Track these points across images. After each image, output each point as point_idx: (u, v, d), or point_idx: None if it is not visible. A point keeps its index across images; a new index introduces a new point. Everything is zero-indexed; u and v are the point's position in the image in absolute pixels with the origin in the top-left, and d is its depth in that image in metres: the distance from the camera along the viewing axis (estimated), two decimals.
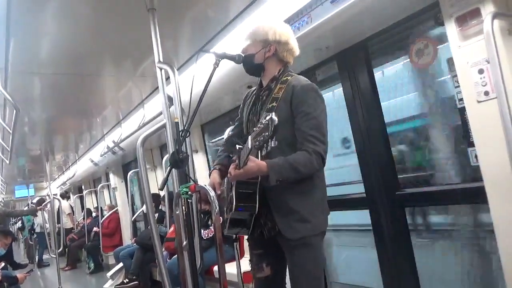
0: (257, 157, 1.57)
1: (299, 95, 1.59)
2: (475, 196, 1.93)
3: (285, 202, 1.61)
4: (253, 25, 1.78)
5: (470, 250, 2.33)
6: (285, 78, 1.71)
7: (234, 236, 2.07)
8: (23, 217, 10.01)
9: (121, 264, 5.30)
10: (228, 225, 1.68)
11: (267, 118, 1.37)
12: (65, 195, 10.71)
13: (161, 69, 2.12)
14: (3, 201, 13.12)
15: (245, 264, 2.25)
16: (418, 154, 2.61)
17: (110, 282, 5.30)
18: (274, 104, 1.65)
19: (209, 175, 1.87)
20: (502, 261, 1.74)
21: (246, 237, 1.87)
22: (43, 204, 7.27)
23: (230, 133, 2.04)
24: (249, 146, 1.42)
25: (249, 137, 1.43)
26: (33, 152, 6.46)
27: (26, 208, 10.09)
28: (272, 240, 1.68)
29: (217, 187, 1.80)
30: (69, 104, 4.08)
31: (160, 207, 5.23)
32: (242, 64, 1.76)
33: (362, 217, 2.63)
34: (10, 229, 9.96)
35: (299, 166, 1.54)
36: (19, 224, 10.71)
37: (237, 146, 1.60)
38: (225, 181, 1.88)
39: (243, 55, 1.74)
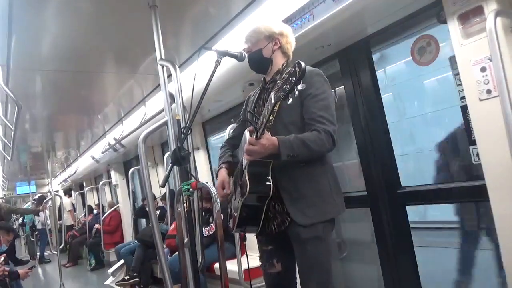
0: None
1: (306, 79, 1.57)
2: (476, 194, 1.93)
3: (296, 187, 1.62)
4: (252, 28, 1.79)
5: None
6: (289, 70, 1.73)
7: (243, 234, 2.04)
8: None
9: (122, 261, 5.31)
10: (238, 218, 1.66)
11: (294, 64, 1.38)
12: (68, 192, 10.75)
13: (162, 66, 2.12)
14: (4, 197, 13.15)
15: (246, 262, 2.25)
16: None
17: (111, 278, 5.31)
18: None
19: (216, 175, 1.86)
20: (503, 259, 1.74)
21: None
22: (44, 202, 7.28)
23: (231, 133, 2.04)
24: (273, 100, 1.42)
25: (272, 93, 1.44)
26: (35, 149, 6.47)
27: (27, 206, 10.11)
28: (281, 235, 1.68)
29: (227, 186, 1.78)
30: (70, 101, 4.08)
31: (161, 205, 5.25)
32: (249, 61, 1.77)
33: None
34: (12, 225, 9.99)
35: (310, 143, 1.54)
36: (20, 220, 10.74)
37: (253, 117, 1.58)
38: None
39: (247, 54, 1.75)
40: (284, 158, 1.52)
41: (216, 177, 1.86)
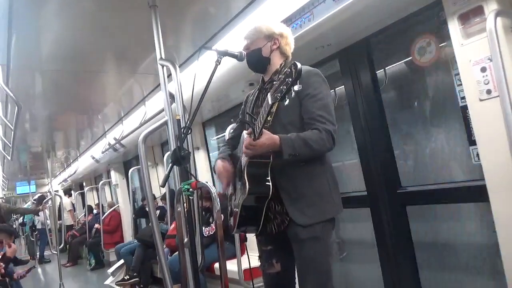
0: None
1: (303, 79, 1.56)
2: (477, 194, 1.93)
3: (295, 187, 1.62)
4: (252, 26, 1.80)
5: None
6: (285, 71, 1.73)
7: (244, 235, 2.03)
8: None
9: (122, 261, 5.32)
10: (238, 218, 1.66)
11: (290, 65, 1.41)
12: (68, 192, 10.75)
13: (162, 66, 2.12)
14: (4, 197, 13.16)
15: (246, 262, 2.26)
16: None
17: (111, 278, 5.31)
18: None
19: (214, 168, 1.87)
20: (503, 259, 1.74)
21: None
22: (43, 202, 7.28)
23: (231, 134, 2.04)
24: (269, 101, 1.44)
25: (269, 94, 1.46)
26: (35, 149, 6.47)
27: (27, 206, 10.10)
28: (280, 236, 1.68)
29: (228, 162, 1.81)
30: (70, 101, 4.08)
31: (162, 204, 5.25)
32: (247, 60, 1.78)
33: None
34: (12, 225, 9.99)
35: (311, 142, 1.55)
36: (20, 220, 10.75)
37: (251, 119, 1.59)
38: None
39: (245, 52, 1.76)
40: (286, 157, 1.52)
41: (214, 171, 1.87)
